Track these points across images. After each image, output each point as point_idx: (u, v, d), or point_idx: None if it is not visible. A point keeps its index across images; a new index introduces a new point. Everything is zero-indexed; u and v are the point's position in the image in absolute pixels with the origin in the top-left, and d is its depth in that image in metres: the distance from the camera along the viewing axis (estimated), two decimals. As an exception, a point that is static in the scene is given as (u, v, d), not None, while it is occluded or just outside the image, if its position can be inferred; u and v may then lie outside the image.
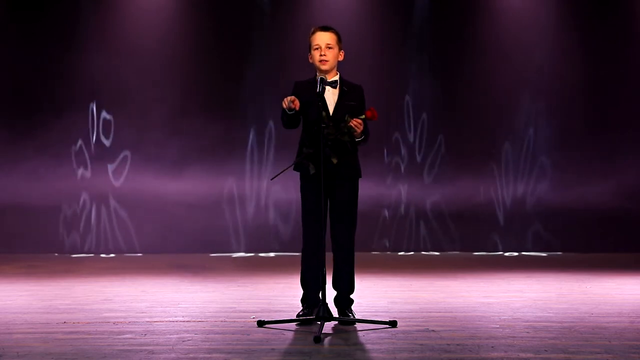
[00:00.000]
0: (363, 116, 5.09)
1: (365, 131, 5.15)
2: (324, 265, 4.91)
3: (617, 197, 10.85)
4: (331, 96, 5.18)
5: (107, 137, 11.00)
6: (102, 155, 10.97)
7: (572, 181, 10.98)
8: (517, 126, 11.16)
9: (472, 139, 11.09)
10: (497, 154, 11.14)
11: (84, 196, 10.93)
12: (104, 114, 11.00)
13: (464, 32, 11.19)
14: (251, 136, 11.04)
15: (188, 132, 10.90)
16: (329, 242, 5.14)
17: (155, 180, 10.83)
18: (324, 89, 5.06)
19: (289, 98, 5.05)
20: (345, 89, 5.21)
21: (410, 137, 11.16)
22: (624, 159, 10.94)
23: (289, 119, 5.15)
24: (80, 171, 10.94)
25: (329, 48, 5.21)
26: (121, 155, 10.97)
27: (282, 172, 5.38)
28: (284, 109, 5.12)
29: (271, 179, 6.01)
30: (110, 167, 10.98)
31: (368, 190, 10.73)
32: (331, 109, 5.16)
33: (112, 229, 10.92)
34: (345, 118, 5.05)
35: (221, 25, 11.11)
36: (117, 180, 10.96)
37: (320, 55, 5.20)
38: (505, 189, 11.14)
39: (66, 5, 11.01)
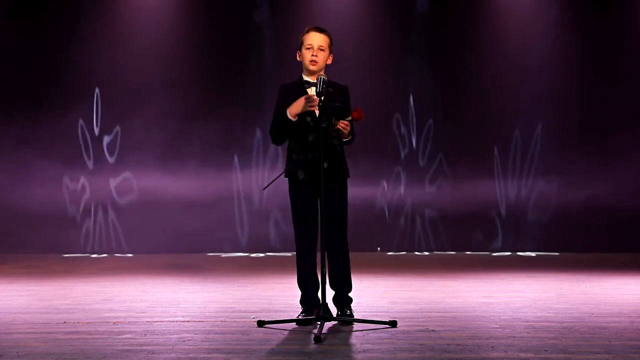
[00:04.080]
0: (350, 117, 5.08)
1: (351, 132, 5.15)
2: (323, 266, 4.91)
3: (617, 196, 10.85)
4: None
5: (107, 138, 11.00)
6: (103, 155, 10.97)
7: (572, 181, 10.98)
8: (517, 126, 11.16)
9: (472, 139, 11.09)
10: (498, 154, 11.13)
11: (84, 196, 10.93)
12: (104, 115, 11.00)
13: (464, 32, 11.19)
14: (251, 136, 11.04)
15: (188, 132, 10.90)
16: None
17: (156, 180, 10.83)
18: (324, 89, 5.05)
19: (312, 98, 5.02)
20: (331, 89, 5.20)
21: (410, 136, 11.15)
22: (624, 158, 10.93)
23: (288, 127, 5.11)
24: (80, 171, 10.94)
25: (321, 50, 5.21)
26: (121, 155, 10.97)
27: (273, 181, 5.41)
28: (283, 118, 5.10)
29: (263, 189, 6.05)
30: (111, 167, 10.98)
31: (368, 190, 10.76)
32: (316, 110, 5.14)
33: (112, 229, 10.92)
34: (332, 121, 5.04)
35: (222, 25, 11.11)
36: (117, 180, 10.96)
37: (312, 55, 5.20)
38: (505, 189, 11.14)
39: (67, 7, 11.01)
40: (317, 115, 5.04)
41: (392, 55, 11.24)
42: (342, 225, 5.24)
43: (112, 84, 10.99)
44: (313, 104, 5.02)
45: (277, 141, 5.29)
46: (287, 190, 5.30)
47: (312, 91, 5.17)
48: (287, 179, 5.27)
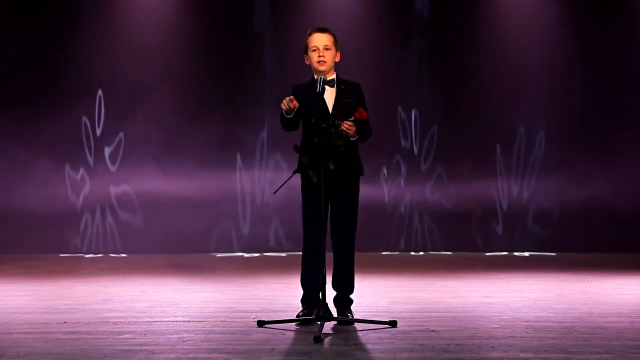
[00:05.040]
0: (352, 118, 5.09)
1: (360, 130, 5.15)
2: (324, 266, 4.92)
3: (617, 196, 10.85)
4: (329, 95, 5.19)
5: (107, 138, 11.00)
6: (102, 155, 10.97)
7: (572, 181, 10.98)
8: (517, 126, 11.16)
9: (472, 139, 11.08)
10: (498, 154, 11.13)
11: (84, 196, 10.92)
12: (104, 115, 11.00)
13: (464, 32, 11.19)
14: (251, 136, 11.04)
15: (188, 132, 10.90)
16: (329, 242, 5.14)
17: (156, 180, 10.83)
18: (324, 89, 5.06)
19: (287, 98, 5.06)
20: (343, 87, 5.22)
21: (410, 136, 11.15)
22: (624, 158, 10.93)
23: (287, 122, 5.16)
24: (80, 170, 10.94)
25: (327, 49, 5.22)
26: (121, 155, 10.97)
27: (283, 183, 5.40)
28: (282, 113, 5.13)
29: (274, 193, 6.05)
30: (111, 167, 10.98)
31: (368, 190, 10.74)
32: (330, 107, 5.18)
33: (112, 229, 10.92)
34: (336, 122, 5.06)
35: (222, 25, 11.11)
36: (117, 180, 10.96)
37: (319, 56, 5.21)
38: (505, 189, 11.13)
39: (67, 7, 11.01)
40: (330, 112, 5.07)
41: (392, 55, 11.23)
42: (351, 228, 5.24)
43: (112, 84, 10.99)
44: (287, 104, 5.03)
45: (285, 130, 5.30)
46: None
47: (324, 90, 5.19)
48: (301, 178, 5.26)
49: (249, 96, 11.02)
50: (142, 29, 11.05)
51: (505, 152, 11.15)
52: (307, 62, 5.30)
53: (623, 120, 11.01)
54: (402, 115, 11.16)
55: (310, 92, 5.17)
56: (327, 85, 5.14)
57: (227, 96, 11.03)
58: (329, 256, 5.03)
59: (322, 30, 5.28)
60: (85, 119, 10.97)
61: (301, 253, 5.28)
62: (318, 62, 5.21)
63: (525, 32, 11.18)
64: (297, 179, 5.33)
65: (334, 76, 5.26)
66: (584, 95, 11.13)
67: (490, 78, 11.15)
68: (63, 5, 11.03)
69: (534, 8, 11.22)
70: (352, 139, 5.15)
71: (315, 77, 5.21)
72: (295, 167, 5.24)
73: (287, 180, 5.37)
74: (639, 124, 11.01)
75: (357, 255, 5.31)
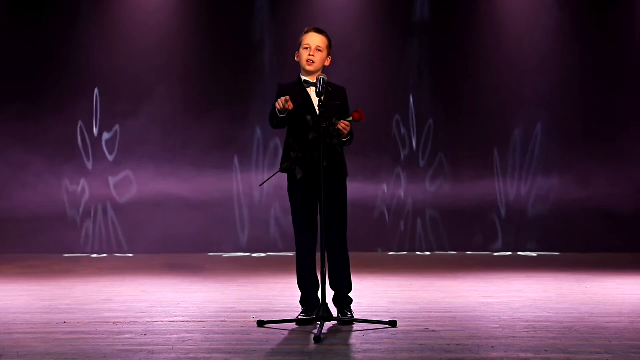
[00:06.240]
0: (350, 118, 5.09)
1: (350, 132, 5.15)
2: (323, 266, 4.92)
3: (617, 196, 10.85)
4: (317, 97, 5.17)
5: (106, 138, 11.00)
6: (102, 155, 10.97)
7: (572, 181, 10.98)
8: (517, 126, 11.15)
9: (472, 139, 11.08)
10: (498, 154, 11.13)
11: (84, 196, 10.93)
12: (104, 115, 11.00)
13: (464, 33, 11.18)
14: (251, 136, 11.04)
15: (188, 132, 10.91)
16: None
17: (155, 180, 10.83)
18: (324, 89, 5.06)
19: (283, 99, 5.05)
20: (330, 89, 5.22)
21: (410, 136, 11.15)
22: (624, 158, 10.93)
23: (279, 121, 5.16)
24: (80, 170, 10.93)
25: (318, 50, 5.23)
26: (121, 155, 10.97)
27: (271, 177, 5.41)
28: (274, 111, 5.13)
29: (260, 185, 6.06)
30: (110, 167, 10.97)
31: (368, 189, 10.76)
32: (318, 109, 5.17)
33: (112, 229, 10.92)
34: (333, 121, 5.05)
35: (222, 25, 11.11)
36: (117, 180, 10.96)
37: (309, 55, 5.21)
38: (505, 189, 11.13)
39: (67, 6, 11.01)
40: (319, 114, 5.05)
41: (392, 56, 11.23)
42: (342, 225, 5.24)
43: (112, 84, 10.99)
44: (282, 105, 5.00)
45: (274, 128, 5.30)
46: (287, 190, 5.30)
47: (311, 91, 5.20)
48: (287, 179, 5.27)
49: (248, 97, 11.02)
50: (142, 29, 11.05)
51: (505, 152, 11.15)
52: (297, 59, 5.30)
53: (623, 120, 11.01)
54: (402, 115, 11.16)
55: (297, 92, 5.18)
56: (312, 87, 5.14)
57: (227, 96, 11.03)
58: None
59: (319, 31, 5.28)
60: (84, 118, 10.96)
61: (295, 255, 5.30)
62: (307, 61, 5.21)
63: (525, 33, 11.18)
64: (284, 181, 5.31)
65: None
66: (584, 95, 11.13)
67: (490, 78, 11.15)
68: (63, 5, 11.03)
69: (534, 9, 11.21)
70: (342, 139, 5.15)
71: (312, 78, 5.21)
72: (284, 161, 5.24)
73: (274, 174, 5.38)
74: (639, 123, 11.01)
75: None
